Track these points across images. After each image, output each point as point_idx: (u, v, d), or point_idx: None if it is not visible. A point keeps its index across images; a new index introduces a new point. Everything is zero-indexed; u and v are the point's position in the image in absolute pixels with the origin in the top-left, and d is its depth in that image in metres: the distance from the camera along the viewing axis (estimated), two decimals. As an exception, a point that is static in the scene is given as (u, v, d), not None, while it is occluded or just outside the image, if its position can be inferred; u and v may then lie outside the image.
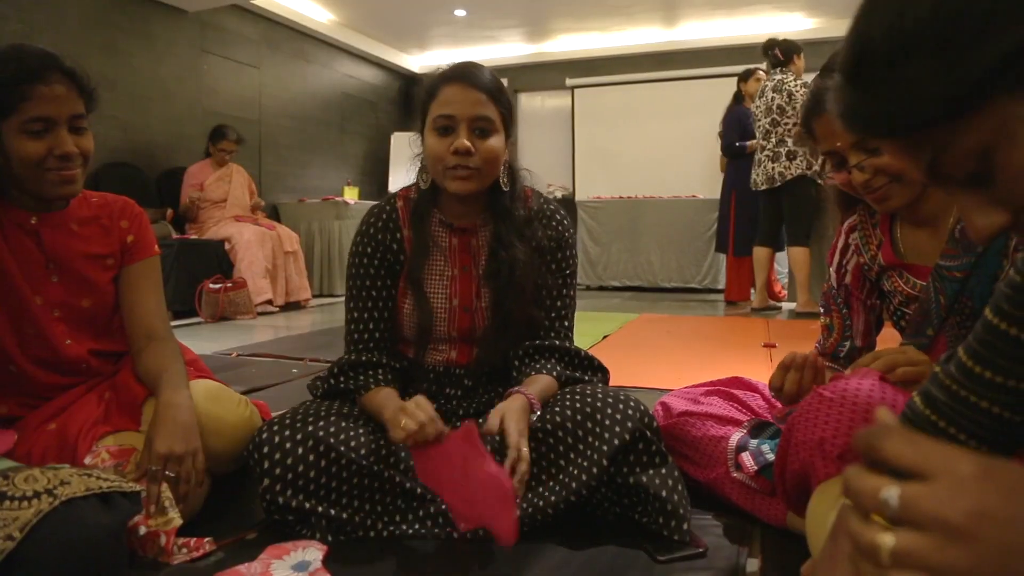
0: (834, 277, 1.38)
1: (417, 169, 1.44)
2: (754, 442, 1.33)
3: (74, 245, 1.37)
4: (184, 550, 1.17)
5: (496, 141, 1.34)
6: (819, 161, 1.28)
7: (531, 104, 8.42)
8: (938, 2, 0.48)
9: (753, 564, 1.18)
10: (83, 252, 1.38)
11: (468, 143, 1.30)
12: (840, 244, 1.38)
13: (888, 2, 0.51)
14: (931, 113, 0.50)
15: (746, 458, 1.30)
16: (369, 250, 1.43)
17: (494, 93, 1.34)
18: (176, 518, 1.16)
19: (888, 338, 1.31)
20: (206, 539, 1.21)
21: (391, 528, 1.27)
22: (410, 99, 8.32)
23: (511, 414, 1.21)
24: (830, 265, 1.39)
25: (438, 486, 1.21)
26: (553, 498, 1.22)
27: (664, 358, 3.15)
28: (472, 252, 1.44)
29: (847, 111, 0.56)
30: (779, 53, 4.58)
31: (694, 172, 6.96)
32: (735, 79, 5.33)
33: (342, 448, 1.26)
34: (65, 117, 1.27)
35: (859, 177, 1.16)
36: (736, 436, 1.36)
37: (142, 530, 1.14)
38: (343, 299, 1.47)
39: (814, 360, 1.20)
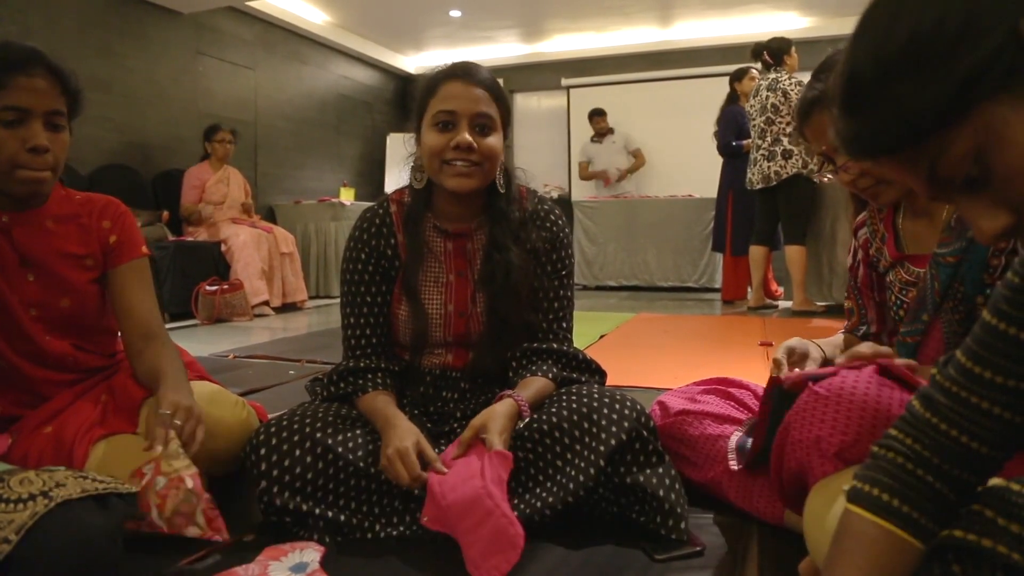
0: (850, 271, 1.47)
1: (411, 168, 1.42)
2: (751, 440, 1.33)
3: (49, 243, 1.35)
4: (201, 522, 1.12)
5: (495, 140, 1.34)
6: (815, 161, 1.35)
7: (527, 104, 8.42)
8: (915, 25, 0.54)
9: (751, 563, 1.18)
10: (58, 251, 1.36)
11: (470, 138, 1.29)
12: (852, 243, 1.45)
13: (871, 32, 0.57)
14: (921, 126, 0.55)
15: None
16: (363, 256, 1.42)
17: (495, 91, 1.35)
18: (191, 465, 1.13)
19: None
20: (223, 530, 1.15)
21: (388, 530, 1.27)
22: (406, 100, 8.29)
23: (495, 421, 1.22)
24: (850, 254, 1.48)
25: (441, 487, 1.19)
26: (551, 499, 1.22)
27: (661, 357, 3.15)
28: (467, 257, 1.43)
29: (846, 138, 0.61)
30: (768, 57, 4.60)
31: (690, 171, 6.96)
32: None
33: (339, 450, 1.26)
34: (42, 111, 1.25)
35: (845, 177, 1.24)
36: (735, 438, 1.37)
37: (160, 481, 1.10)
38: (339, 301, 1.47)
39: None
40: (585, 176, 7.29)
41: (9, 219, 1.32)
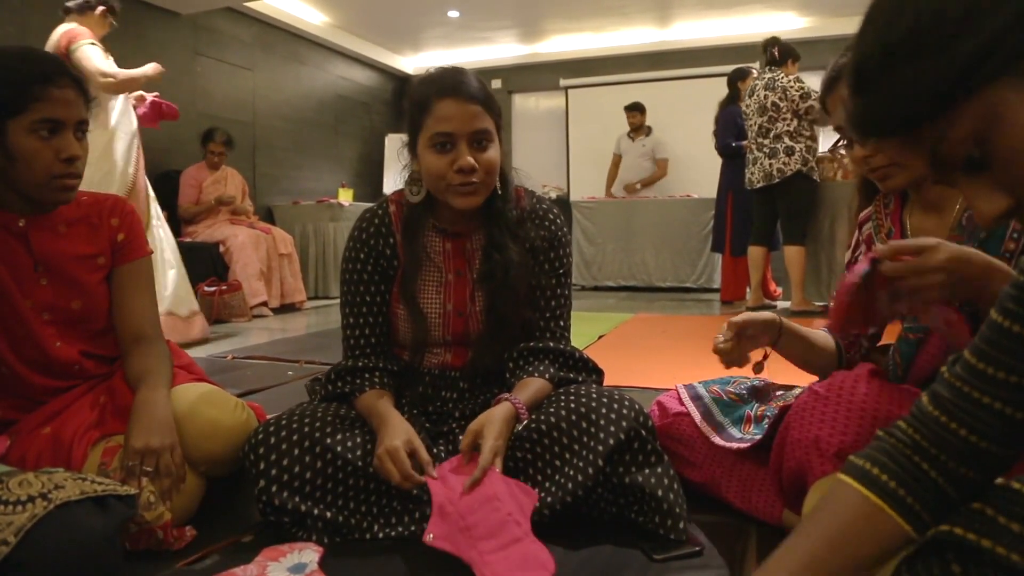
0: (849, 265, 1.45)
1: (407, 180, 1.40)
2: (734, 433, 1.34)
3: (63, 247, 1.37)
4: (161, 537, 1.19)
5: (494, 151, 1.33)
6: (833, 142, 1.36)
7: (525, 105, 8.42)
8: (920, 11, 0.56)
9: (749, 562, 1.18)
10: (72, 253, 1.38)
11: (471, 160, 1.28)
12: (855, 237, 1.44)
13: (879, 17, 0.60)
14: (923, 107, 0.57)
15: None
16: (362, 256, 1.42)
17: (486, 102, 1.32)
18: (166, 512, 1.17)
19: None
20: (187, 527, 1.24)
21: (387, 530, 1.27)
22: (404, 101, 8.31)
23: (492, 426, 1.22)
24: (848, 248, 1.47)
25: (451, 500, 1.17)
26: (549, 499, 1.22)
27: (659, 358, 3.16)
28: (466, 256, 1.43)
29: (854, 118, 0.63)
30: (776, 53, 4.60)
31: (689, 172, 6.96)
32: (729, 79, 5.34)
33: (338, 449, 1.26)
34: (73, 121, 1.27)
35: (859, 153, 1.20)
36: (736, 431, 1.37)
37: (132, 528, 1.14)
38: (338, 301, 1.47)
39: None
40: (612, 173, 6.98)
41: (26, 223, 1.33)
